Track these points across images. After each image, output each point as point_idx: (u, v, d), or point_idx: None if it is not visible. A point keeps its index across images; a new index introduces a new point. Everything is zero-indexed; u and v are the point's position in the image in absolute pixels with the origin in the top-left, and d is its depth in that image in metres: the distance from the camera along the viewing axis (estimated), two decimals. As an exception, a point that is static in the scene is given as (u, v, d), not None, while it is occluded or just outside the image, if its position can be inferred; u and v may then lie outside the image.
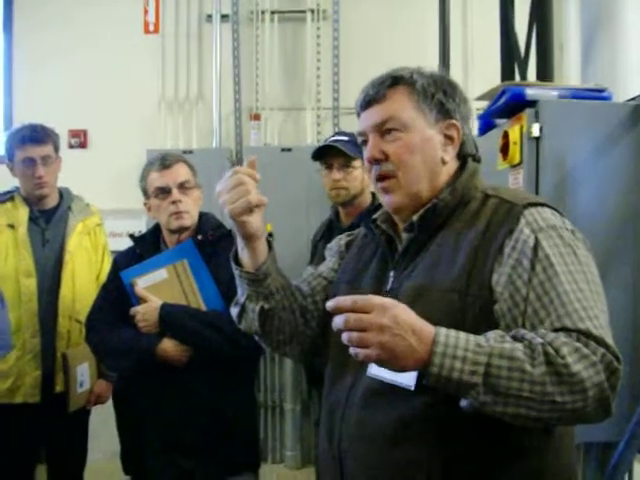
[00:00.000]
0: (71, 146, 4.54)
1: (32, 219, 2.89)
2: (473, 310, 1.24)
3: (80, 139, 4.59)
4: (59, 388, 2.85)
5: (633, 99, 2.47)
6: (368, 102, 1.41)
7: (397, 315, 1.08)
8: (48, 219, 2.92)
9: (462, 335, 1.10)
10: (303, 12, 4.54)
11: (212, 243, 2.45)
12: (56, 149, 2.94)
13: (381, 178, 1.40)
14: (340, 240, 1.70)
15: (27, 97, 4.57)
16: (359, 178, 2.78)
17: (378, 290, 1.39)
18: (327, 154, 2.80)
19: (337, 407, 1.42)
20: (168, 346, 2.31)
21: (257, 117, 4.41)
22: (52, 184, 2.93)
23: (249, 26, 4.56)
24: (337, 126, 4.34)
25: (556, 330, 1.14)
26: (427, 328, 1.10)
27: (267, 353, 4.28)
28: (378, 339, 1.06)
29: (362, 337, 1.07)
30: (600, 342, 1.11)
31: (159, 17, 4.63)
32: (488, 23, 3.75)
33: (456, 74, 3.82)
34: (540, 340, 1.10)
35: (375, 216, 1.52)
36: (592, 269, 1.25)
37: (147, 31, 4.63)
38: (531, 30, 3.15)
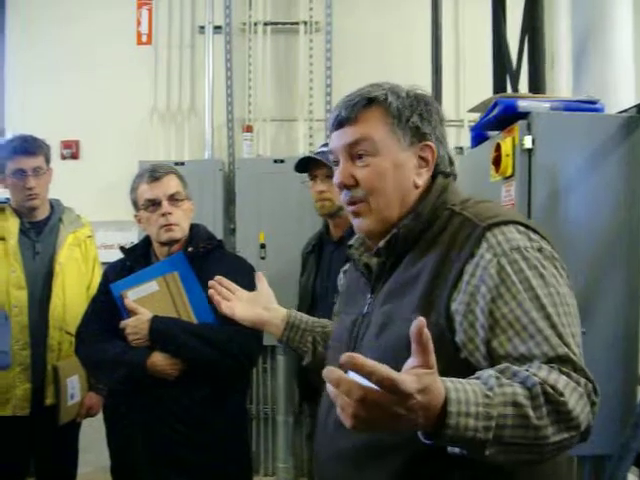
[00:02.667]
0: (63, 157, 4.52)
1: (23, 231, 2.88)
2: (433, 338, 1.10)
3: (72, 150, 4.57)
4: (49, 401, 2.83)
5: (625, 111, 2.47)
6: (340, 122, 1.38)
7: (415, 402, 0.92)
8: (39, 231, 2.91)
9: (469, 387, 0.99)
10: (296, 24, 4.55)
11: (203, 255, 2.44)
12: (47, 161, 2.93)
13: (351, 203, 1.37)
14: (343, 271, 1.72)
15: (19, 108, 4.56)
16: None
17: (358, 315, 1.40)
18: (311, 166, 2.78)
19: (319, 423, 1.44)
20: (158, 359, 2.29)
21: (249, 128, 4.41)
22: (43, 196, 2.92)
23: (242, 37, 4.56)
24: (329, 138, 4.33)
25: (530, 359, 1.09)
26: (436, 395, 0.95)
27: (259, 365, 4.28)
28: (383, 422, 0.94)
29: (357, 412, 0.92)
30: (580, 371, 1.08)
31: (152, 28, 4.62)
32: (480, 35, 3.75)
33: (448, 86, 3.83)
34: (535, 379, 1.03)
35: (351, 242, 1.50)
36: (561, 288, 1.18)
37: (140, 42, 4.63)
38: (523, 42, 3.16)
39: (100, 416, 2.61)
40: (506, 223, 1.24)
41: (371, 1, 4.53)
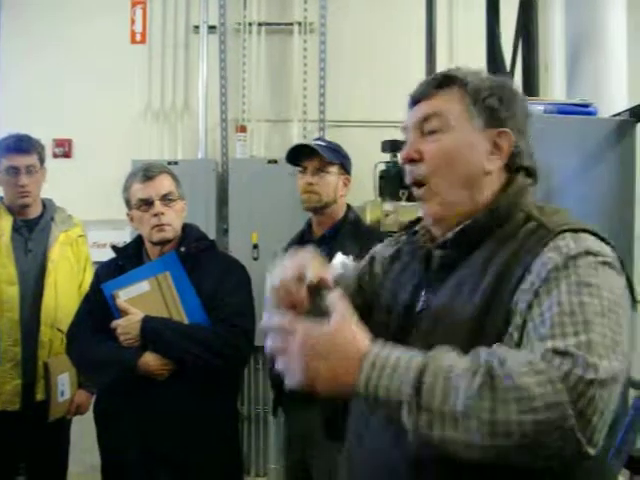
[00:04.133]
0: (55, 155, 4.49)
1: (15, 228, 2.90)
2: (491, 339, 1.10)
3: (65, 149, 4.55)
4: (39, 397, 2.84)
5: (618, 114, 2.49)
6: (415, 99, 1.33)
7: (313, 343, 1.06)
8: (31, 229, 2.93)
9: (396, 352, 1.03)
10: (290, 24, 4.54)
11: (195, 255, 2.43)
12: (41, 160, 2.95)
13: (415, 184, 1.31)
14: (386, 250, 1.56)
15: (12, 105, 4.54)
16: (332, 185, 2.69)
17: (410, 311, 1.31)
18: (303, 157, 2.76)
19: (353, 436, 1.37)
20: (150, 359, 2.29)
21: (243, 129, 4.40)
22: (35, 194, 2.93)
23: (236, 37, 4.55)
24: (321, 138, 4.33)
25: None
26: (354, 349, 1.05)
27: (251, 365, 4.27)
28: (298, 364, 1.07)
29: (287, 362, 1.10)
30: (570, 359, 0.95)
31: (146, 27, 4.60)
32: (474, 40, 3.76)
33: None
34: (489, 353, 1.00)
35: (417, 227, 1.43)
36: (619, 299, 1.07)
37: (134, 41, 4.61)
38: (517, 47, 3.17)
39: (91, 416, 2.60)
40: (583, 231, 1.16)
41: (365, 2, 4.52)
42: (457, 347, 1.06)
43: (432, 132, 1.28)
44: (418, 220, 1.46)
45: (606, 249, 1.15)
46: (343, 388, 1.05)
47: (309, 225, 2.84)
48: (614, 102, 2.69)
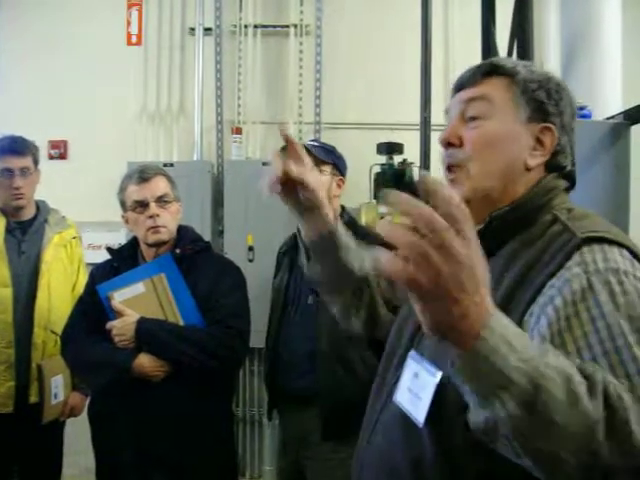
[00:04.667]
0: (51, 157, 4.49)
1: (9, 230, 2.88)
2: None
3: (60, 150, 4.54)
4: (33, 399, 2.83)
5: (612, 117, 2.49)
6: (461, 85, 1.28)
7: (475, 264, 0.81)
8: (24, 231, 2.91)
9: (516, 329, 0.86)
10: (286, 27, 4.54)
11: (190, 257, 2.43)
12: (35, 162, 2.94)
13: (450, 169, 1.25)
14: None
15: (7, 107, 4.53)
16: (326, 185, 2.66)
17: None
18: None
19: (366, 428, 1.32)
20: (145, 361, 2.28)
21: (239, 131, 4.40)
22: (29, 196, 2.92)
23: (232, 40, 4.55)
24: (316, 140, 4.34)
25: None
26: (488, 299, 0.83)
27: (246, 367, 4.27)
28: (442, 267, 0.78)
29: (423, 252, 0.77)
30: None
31: (142, 29, 4.60)
32: (470, 39, 3.77)
33: (437, 89, 3.83)
34: (599, 377, 0.85)
35: None
36: None
37: (130, 43, 4.60)
38: (512, 48, 3.18)
39: (86, 418, 2.60)
40: (610, 242, 1.06)
41: (361, 5, 4.53)
42: None
43: (474, 118, 1.24)
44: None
45: (636, 266, 1.04)
46: (452, 330, 0.82)
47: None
48: (608, 105, 2.70)
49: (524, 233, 1.17)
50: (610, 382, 0.85)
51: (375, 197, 3.83)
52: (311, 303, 2.58)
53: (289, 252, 2.81)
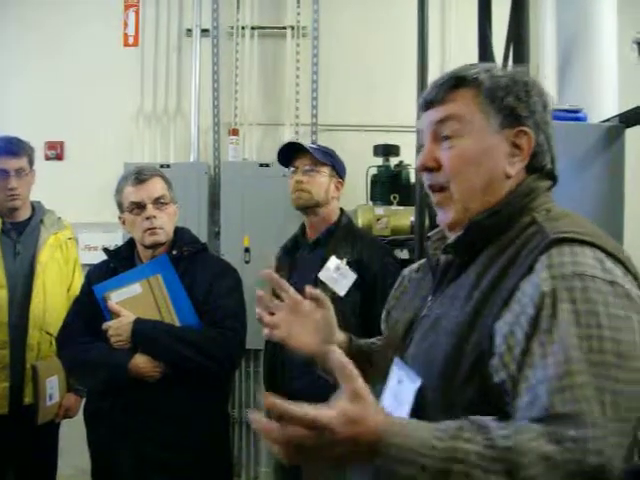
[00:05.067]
0: (47, 158, 4.49)
1: (4, 231, 2.88)
2: (470, 359, 1.06)
3: (57, 151, 4.53)
4: (28, 400, 2.83)
5: (607, 120, 2.50)
6: (427, 103, 1.26)
7: (337, 440, 0.90)
8: (20, 231, 2.91)
9: (410, 440, 0.92)
10: (283, 28, 4.54)
11: (187, 258, 2.44)
12: (31, 163, 2.94)
13: (433, 189, 1.25)
14: (409, 271, 1.53)
15: (4, 108, 4.53)
16: (324, 186, 2.71)
17: (416, 315, 1.28)
18: (294, 158, 2.76)
19: None
20: (141, 362, 2.28)
21: (235, 132, 4.40)
22: (25, 197, 2.92)
23: (229, 41, 4.56)
24: (315, 143, 4.34)
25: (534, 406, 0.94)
26: (368, 426, 0.92)
27: (242, 369, 4.27)
28: (318, 456, 0.93)
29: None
30: (584, 437, 0.88)
31: (139, 30, 4.60)
32: (466, 44, 3.77)
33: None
34: (505, 443, 0.90)
35: (430, 234, 1.37)
36: (621, 335, 0.96)
37: (126, 44, 4.61)
38: (508, 51, 3.18)
39: (82, 419, 2.60)
40: (582, 242, 1.05)
41: (358, 6, 4.53)
42: (439, 362, 1.06)
43: (448, 137, 1.22)
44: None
45: (609, 266, 1.04)
46: (354, 462, 0.97)
47: (303, 229, 2.84)
48: (604, 108, 2.70)
49: (502, 238, 1.16)
50: (515, 445, 0.89)
51: (372, 199, 3.83)
52: None
53: (288, 253, 2.82)
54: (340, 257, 2.62)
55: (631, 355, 0.95)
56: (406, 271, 1.54)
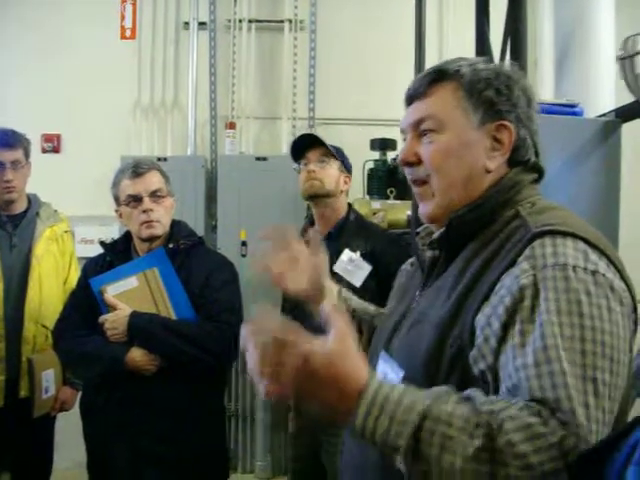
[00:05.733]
0: (44, 151, 4.48)
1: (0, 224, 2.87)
2: (451, 352, 1.08)
3: (53, 144, 4.53)
4: (23, 393, 2.83)
5: (604, 115, 2.50)
6: (410, 97, 1.28)
7: (312, 370, 0.93)
8: (16, 224, 2.90)
9: (395, 392, 0.94)
10: (281, 22, 4.54)
11: (183, 252, 2.44)
12: (26, 155, 2.92)
13: (415, 183, 1.27)
14: (406, 266, 1.57)
15: (1, 100, 4.51)
16: (334, 177, 2.74)
17: (406, 308, 1.30)
18: (306, 150, 2.77)
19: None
20: (137, 355, 2.29)
21: (232, 125, 4.40)
22: (20, 189, 2.91)
23: (226, 34, 4.55)
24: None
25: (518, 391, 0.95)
26: (354, 383, 0.94)
27: (238, 362, 4.27)
28: (288, 385, 0.94)
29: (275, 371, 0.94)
30: (564, 420, 0.89)
31: (136, 23, 4.59)
32: (463, 38, 3.77)
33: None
34: (488, 407, 0.92)
35: (419, 229, 1.39)
36: (604, 324, 0.97)
37: (124, 37, 4.60)
38: (505, 45, 3.18)
39: (77, 411, 2.60)
40: (564, 234, 1.06)
41: (356, 1, 4.53)
42: (421, 354, 1.09)
43: (427, 132, 1.23)
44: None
45: (593, 258, 1.04)
46: (337, 417, 0.97)
47: (311, 222, 2.85)
48: (601, 102, 2.71)
49: (486, 232, 1.17)
50: (495, 410, 0.91)
51: (368, 193, 3.83)
52: None
53: None
54: (353, 250, 2.64)
55: (611, 344, 0.96)
56: (403, 266, 1.58)
